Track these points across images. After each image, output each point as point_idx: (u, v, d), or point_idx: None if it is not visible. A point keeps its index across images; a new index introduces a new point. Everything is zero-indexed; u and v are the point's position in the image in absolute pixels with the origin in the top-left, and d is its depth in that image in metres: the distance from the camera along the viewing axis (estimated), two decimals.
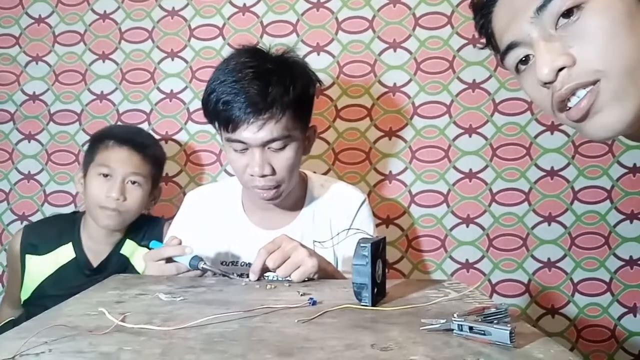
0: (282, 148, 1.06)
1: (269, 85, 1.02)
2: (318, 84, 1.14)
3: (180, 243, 1.02)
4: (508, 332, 0.58)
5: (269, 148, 1.06)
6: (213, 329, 0.64)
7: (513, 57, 0.66)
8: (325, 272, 1.01)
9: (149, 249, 1.10)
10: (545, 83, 0.61)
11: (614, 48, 0.57)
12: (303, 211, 1.21)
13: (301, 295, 0.82)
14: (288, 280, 0.95)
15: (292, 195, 1.20)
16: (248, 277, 0.97)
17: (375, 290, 0.78)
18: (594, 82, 0.58)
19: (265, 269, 0.96)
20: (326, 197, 1.23)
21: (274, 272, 0.96)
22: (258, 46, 1.13)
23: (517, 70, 0.67)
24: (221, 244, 1.20)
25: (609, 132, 0.61)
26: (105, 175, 1.31)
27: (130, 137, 1.36)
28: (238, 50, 1.12)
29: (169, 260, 1.02)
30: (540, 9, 0.59)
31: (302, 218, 1.21)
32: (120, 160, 1.31)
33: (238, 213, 1.22)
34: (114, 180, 1.31)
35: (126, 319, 0.67)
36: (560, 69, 0.59)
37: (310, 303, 0.77)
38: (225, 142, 1.09)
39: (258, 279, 0.96)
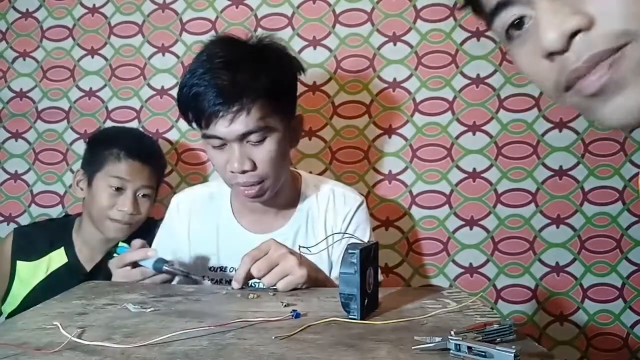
0: (262, 141, 0.99)
1: (237, 73, 0.96)
2: (301, 71, 1.07)
3: (143, 246, 0.97)
4: (512, 355, 0.50)
5: (247, 142, 0.99)
6: (178, 347, 0.57)
7: (504, 20, 0.50)
8: (316, 282, 0.94)
9: (116, 255, 1.05)
10: (551, 53, 0.45)
11: None
12: (296, 214, 1.15)
13: (285, 306, 0.75)
14: (273, 289, 0.88)
15: (284, 196, 1.13)
16: (231, 284, 0.90)
17: (366, 301, 0.71)
18: (620, 48, 0.43)
19: (250, 277, 0.90)
20: (321, 198, 1.17)
21: (259, 280, 0.89)
22: (233, 35, 1.08)
23: (509, 36, 0.51)
24: (209, 248, 1.13)
25: (629, 118, 0.45)
26: (117, 188, 1.27)
27: (141, 148, 1.32)
28: (212, 40, 1.07)
29: (136, 265, 0.95)
30: None
31: (295, 221, 1.14)
32: (132, 173, 1.28)
33: (227, 216, 1.16)
34: (126, 194, 1.27)
35: (83, 334, 0.60)
36: (574, 34, 0.44)
37: (292, 316, 0.70)
38: (203, 139, 1.03)
39: (242, 288, 0.89)
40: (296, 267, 0.88)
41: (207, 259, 1.12)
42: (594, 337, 1.47)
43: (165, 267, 0.91)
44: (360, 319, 0.69)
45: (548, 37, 0.44)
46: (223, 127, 0.96)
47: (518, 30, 0.49)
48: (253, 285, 0.94)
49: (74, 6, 1.62)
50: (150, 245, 1.22)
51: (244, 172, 0.99)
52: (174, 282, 0.99)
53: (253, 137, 0.98)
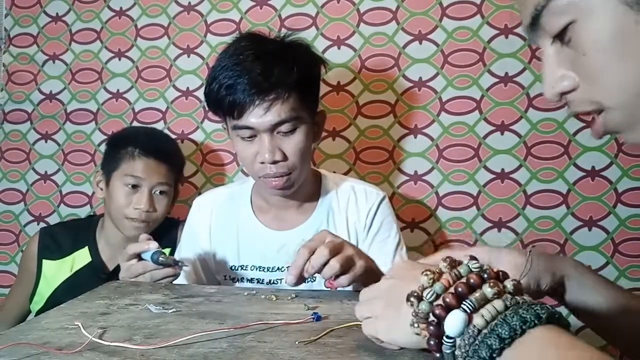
0: (292, 131, 1.01)
1: (271, 65, 0.97)
2: (323, 66, 1.09)
3: (149, 239, 0.97)
4: None
5: (277, 132, 1.00)
6: (197, 349, 0.56)
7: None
8: (372, 271, 0.88)
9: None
10: None
11: (611, 78, 0.48)
12: (316, 210, 1.14)
13: (306, 309, 0.74)
14: (293, 292, 0.86)
15: (305, 193, 1.13)
16: (252, 281, 0.89)
17: None
18: (598, 111, 0.52)
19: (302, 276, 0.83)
20: (342, 195, 1.16)
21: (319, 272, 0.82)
22: (257, 32, 1.10)
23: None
24: (230, 247, 1.14)
25: None
26: (133, 186, 1.28)
27: (156, 146, 1.32)
28: (237, 37, 1.09)
29: (141, 259, 0.95)
30: (532, 24, 0.52)
31: (316, 218, 1.13)
32: (147, 171, 1.28)
33: (247, 213, 1.16)
34: (142, 192, 1.28)
35: (105, 335, 0.60)
36: (564, 93, 0.53)
37: (314, 319, 0.68)
38: (232, 131, 1.04)
39: (296, 284, 0.83)
40: (357, 258, 0.84)
41: (228, 257, 1.12)
42: None
43: (161, 259, 0.91)
44: None
45: (545, 93, 0.55)
46: (257, 117, 0.97)
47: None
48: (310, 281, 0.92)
49: (101, 9, 1.64)
50: (175, 248, 1.24)
51: (274, 162, 1.00)
52: (175, 282, 0.97)
53: (284, 128, 0.99)
